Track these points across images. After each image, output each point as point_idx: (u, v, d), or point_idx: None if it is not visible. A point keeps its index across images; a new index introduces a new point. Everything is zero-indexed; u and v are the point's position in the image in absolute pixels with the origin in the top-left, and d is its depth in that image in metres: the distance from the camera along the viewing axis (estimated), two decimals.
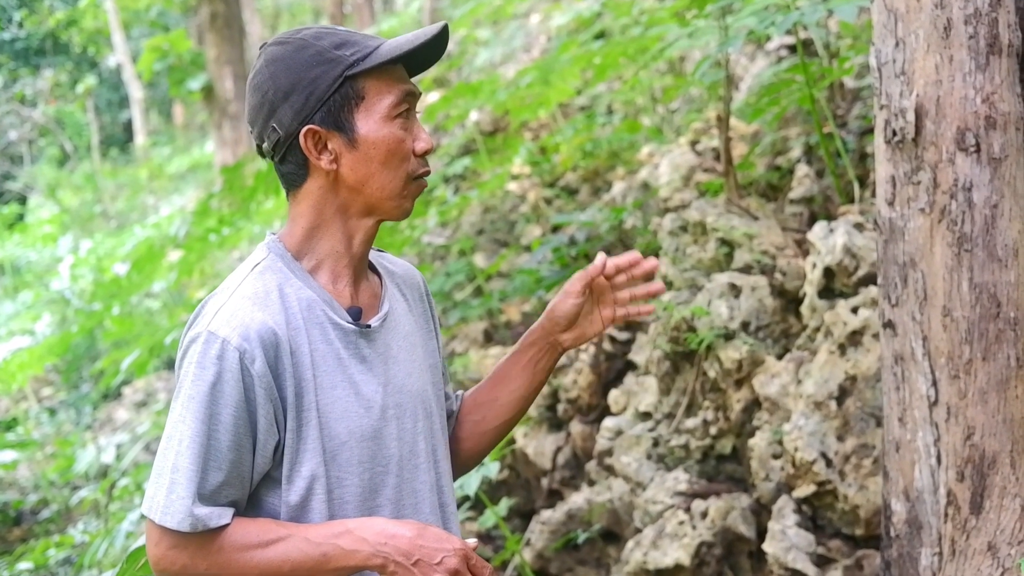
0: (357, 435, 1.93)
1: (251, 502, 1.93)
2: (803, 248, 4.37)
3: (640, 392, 4.54)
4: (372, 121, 1.92)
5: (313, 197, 1.96)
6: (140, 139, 22.59)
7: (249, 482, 1.89)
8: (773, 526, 3.59)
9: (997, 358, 2.58)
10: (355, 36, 1.95)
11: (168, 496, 1.82)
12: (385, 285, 2.09)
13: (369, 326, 1.99)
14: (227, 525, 1.85)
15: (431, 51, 1.98)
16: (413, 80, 2.02)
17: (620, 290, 2.17)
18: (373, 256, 2.13)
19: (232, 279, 1.95)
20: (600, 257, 2.12)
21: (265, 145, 1.97)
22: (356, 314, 1.98)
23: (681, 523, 3.84)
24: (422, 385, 2.08)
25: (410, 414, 2.03)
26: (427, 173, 2.00)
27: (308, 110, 1.90)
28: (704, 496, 3.96)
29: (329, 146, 1.93)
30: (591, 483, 4.61)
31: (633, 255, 2.14)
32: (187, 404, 1.83)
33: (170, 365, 10.46)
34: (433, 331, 2.21)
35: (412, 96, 1.97)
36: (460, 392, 2.32)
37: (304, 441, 1.89)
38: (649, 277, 2.17)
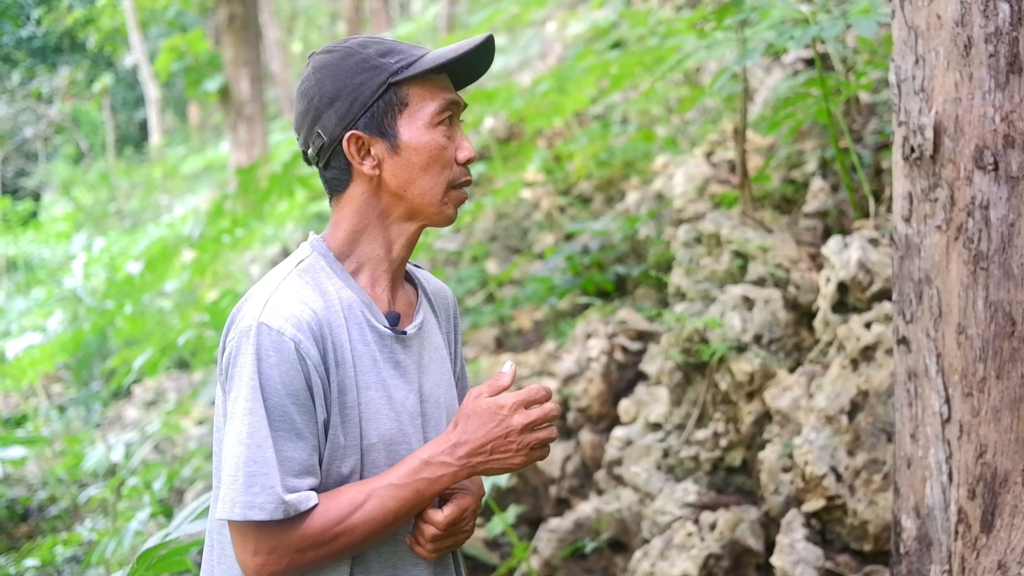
0: (386, 439, 1.95)
1: None
2: (817, 262, 4.36)
3: (651, 402, 4.54)
4: (415, 128, 1.94)
5: (356, 202, 1.99)
6: (155, 138, 22.63)
7: (319, 468, 1.89)
8: (782, 539, 3.59)
9: (1011, 376, 2.58)
10: (401, 45, 1.97)
11: (249, 490, 1.80)
12: (420, 296, 2.12)
13: (405, 332, 2.01)
14: (316, 507, 1.85)
15: (477, 63, 2.00)
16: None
17: None
18: (410, 268, 2.16)
19: (275, 275, 1.97)
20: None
21: (310, 151, 1.99)
22: (394, 319, 2.00)
23: (689, 534, 3.84)
24: (449, 397, 2.11)
25: (434, 424, 2.05)
26: (468, 182, 2.02)
27: (352, 116, 1.93)
28: (713, 508, 3.96)
29: (372, 151, 1.95)
30: (600, 492, 4.61)
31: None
32: (251, 396, 1.83)
33: (181, 365, 10.48)
34: (454, 355, 2.22)
35: (456, 105, 1.99)
36: None
37: (347, 438, 1.91)
38: None
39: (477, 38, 1.95)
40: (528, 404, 1.90)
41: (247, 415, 1.83)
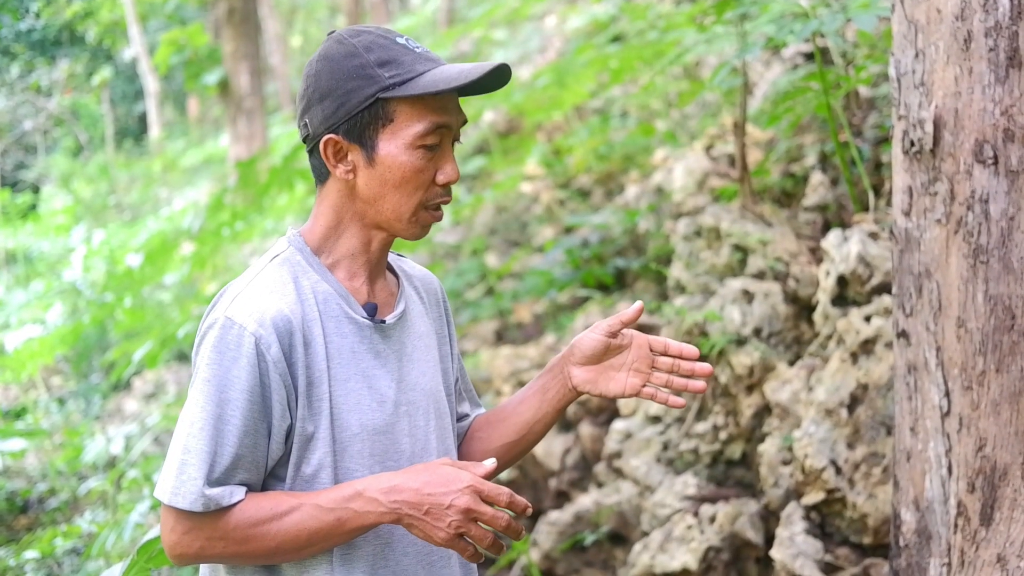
0: (369, 428, 1.96)
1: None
2: (817, 255, 4.37)
3: None
4: (394, 145, 1.93)
5: (333, 198, 2.00)
6: (154, 131, 22.63)
7: (264, 467, 1.91)
8: (781, 532, 3.60)
9: (1011, 370, 2.58)
10: (407, 56, 1.94)
11: (179, 477, 1.84)
12: (402, 285, 2.12)
13: (384, 322, 2.01)
14: (239, 502, 1.87)
15: (487, 82, 1.96)
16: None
17: (660, 370, 2.10)
18: (392, 258, 2.16)
19: (251, 269, 2.00)
20: (637, 305, 2.06)
21: (299, 134, 2.02)
22: (372, 310, 2.01)
23: (689, 527, 3.85)
24: (435, 385, 2.10)
25: (422, 412, 2.05)
26: (445, 202, 2.01)
27: (336, 120, 1.93)
28: (713, 501, 3.97)
29: (349, 157, 1.95)
30: (599, 485, 4.62)
31: (692, 350, 2.07)
32: (202, 388, 1.86)
33: (181, 357, 10.49)
34: (447, 337, 2.23)
35: (446, 128, 1.96)
36: (478, 412, 2.31)
37: (316, 430, 1.92)
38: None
39: (482, 67, 1.91)
40: (486, 497, 1.85)
41: (194, 405, 1.86)
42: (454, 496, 1.84)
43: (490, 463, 1.91)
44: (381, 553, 1.98)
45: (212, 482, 1.84)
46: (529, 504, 1.89)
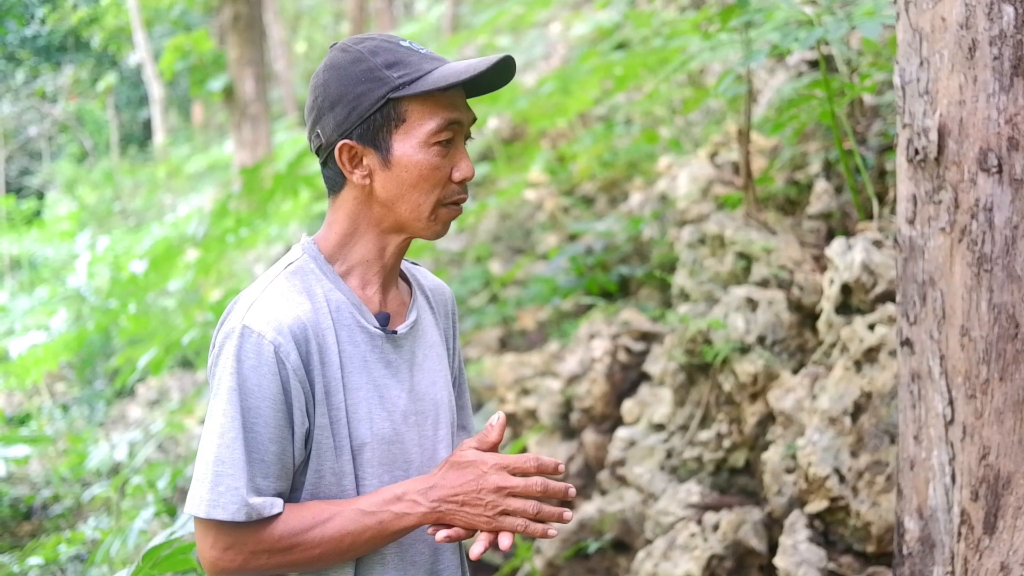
0: (379, 437, 1.97)
1: None
2: (820, 263, 4.37)
3: (654, 403, 4.55)
4: (409, 145, 1.94)
5: (349, 206, 2.00)
6: (159, 137, 22.65)
7: (291, 473, 1.92)
8: (784, 540, 3.59)
9: (1014, 379, 2.58)
10: (412, 56, 1.95)
11: (215, 489, 1.82)
12: (415, 294, 2.12)
13: (395, 332, 2.02)
14: (279, 514, 1.87)
15: (493, 78, 1.98)
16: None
17: None
18: (406, 266, 2.17)
19: (265, 277, 1.99)
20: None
21: (311, 146, 2.02)
22: (384, 319, 2.01)
23: (692, 535, 3.85)
24: (445, 395, 2.11)
25: (431, 421, 2.06)
26: (463, 199, 2.01)
27: (349, 125, 1.93)
28: (716, 509, 3.96)
29: (364, 161, 1.95)
30: (603, 492, 4.62)
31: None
32: (227, 397, 1.85)
33: (185, 364, 10.50)
34: (453, 351, 2.24)
35: (458, 124, 1.97)
36: (461, 436, 2.32)
37: (331, 439, 1.93)
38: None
39: (488, 60, 1.92)
40: (513, 470, 1.89)
41: (221, 415, 1.85)
42: (481, 480, 1.88)
43: (496, 419, 1.95)
44: (398, 566, 2.00)
45: (252, 491, 1.84)
46: (560, 462, 1.91)
